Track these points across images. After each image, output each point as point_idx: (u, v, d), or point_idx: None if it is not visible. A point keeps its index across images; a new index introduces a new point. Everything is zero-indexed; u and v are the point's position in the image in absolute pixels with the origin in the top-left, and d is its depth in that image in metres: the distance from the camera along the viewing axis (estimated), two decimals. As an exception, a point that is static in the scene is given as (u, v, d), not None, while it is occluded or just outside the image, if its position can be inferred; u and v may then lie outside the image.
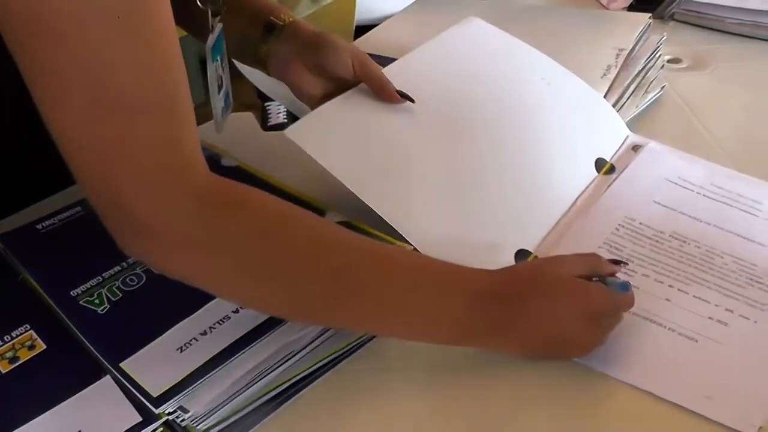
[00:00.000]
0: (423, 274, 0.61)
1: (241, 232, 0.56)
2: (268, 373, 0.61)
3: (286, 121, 2.11)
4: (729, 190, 0.83)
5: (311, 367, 0.63)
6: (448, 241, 0.71)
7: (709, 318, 0.68)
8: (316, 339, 0.63)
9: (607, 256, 0.69)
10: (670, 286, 0.71)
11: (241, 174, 0.81)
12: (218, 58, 0.77)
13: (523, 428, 0.60)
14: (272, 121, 2.29)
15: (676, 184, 0.85)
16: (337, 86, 0.80)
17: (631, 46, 0.99)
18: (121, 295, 0.67)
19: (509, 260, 0.73)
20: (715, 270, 0.73)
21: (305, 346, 0.63)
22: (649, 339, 0.66)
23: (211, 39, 0.75)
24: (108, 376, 0.61)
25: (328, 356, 0.64)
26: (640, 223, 0.79)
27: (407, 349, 0.65)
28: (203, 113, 1.05)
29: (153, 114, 0.52)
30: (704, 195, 0.83)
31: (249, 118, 0.96)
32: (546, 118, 0.87)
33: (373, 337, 0.66)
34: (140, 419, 0.57)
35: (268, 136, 0.93)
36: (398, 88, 0.79)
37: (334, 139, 0.74)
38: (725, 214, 0.80)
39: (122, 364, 0.60)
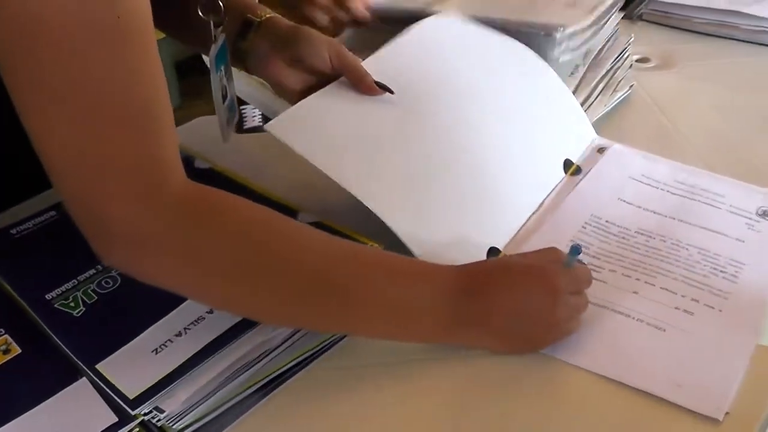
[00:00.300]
0: (393, 273, 0.62)
1: (216, 237, 0.57)
2: (243, 373, 0.62)
3: (261, 124, 2.11)
4: (692, 185, 0.85)
5: (285, 365, 0.64)
6: (425, 235, 0.72)
7: (676, 308, 0.69)
8: (290, 338, 0.64)
9: None
10: (637, 279, 0.73)
11: (214, 176, 0.82)
12: (221, 68, 0.78)
13: (494, 418, 0.61)
14: (248, 124, 2.30)
15: (640, 182, 0.87)
16: (316, 80, 0.80)
17: (599, 47, 1.01)
18: (96, 297, 0.67)
19: (481, 257, 0.74)
20: (680, 262, 0.75)
21: (279, 345, 0.64)
22: (618, 330, 0.67)
23: (214, 49, 0.76)
24: (84, 378, 0.61)
25: (301, 355, 0.65)
26: (607, 221, 0.81)
27: (378, 347, 0.66)
28: (178, 116, 1.05)
29: (132, 124, 0.53)
30: (668, 191, 0.85)
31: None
32: (519, 119, 0.88)
33: (345, 335, 0.67)
34: (116, 420, 0.58)
35: (241, 138, 0.94)
36: (376, 80, 0.80)
37: (316, 132, 0.75)
38: (689, 208, 0.82)
39: (98, 366, 0.61)
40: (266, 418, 0.61)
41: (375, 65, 0.81)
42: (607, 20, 1.00)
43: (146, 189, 0.55)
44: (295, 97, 0.79)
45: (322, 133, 0.75)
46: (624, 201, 0.84)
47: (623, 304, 0.70)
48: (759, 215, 0.81)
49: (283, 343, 0.64)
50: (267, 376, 0.63)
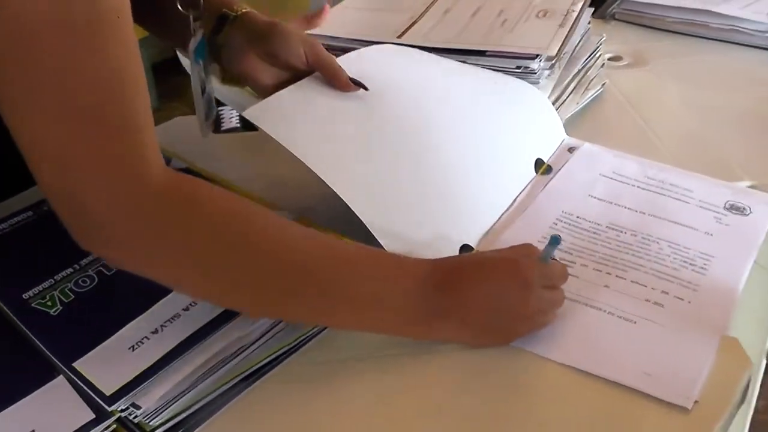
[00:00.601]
0: (370, 265, 0.63)
1: (193, 229, 0.58)
2: (220, 368, 0.62)
3: (239, 125, 2.11)
4: (662, 180, 0.87)
5: (262, 361, 0.64)
6: (397, 230, 0.72)
7: (646, 300, 0.71)
8: (266, 333, 0.65)
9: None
10: (608, 273, 0.74)
11: (190, 175, 0.82)
12: (200, 62, 0.78)
13: (468, 411, 0.62)
14: (225, 126, 2.30)
15: (611, 178, 0.88)
16: (291, 75, 0.81)
17: (572, 47, 1.02)
18: (73, 296, 0.68)
19: (454, 254, 0.75)
20: (651, 255, 0.76)
21: (255, 341, 0.64)
22: (589, 323, 0.69)
23: (194, 42, 0.77)
24: (61, 376, 0.61)
25: (278, 350, 0.65)
26: (578, 217, 0.82)
27: (354, 342, 0.66)
28: (156, 118, 1.05)
29: (112, 117, 0.54)
30: (638, 187, 0.86)
31: (194, 121, 0.97)
32: (490, 119, 0.89)
33: (323, 330, 0.67)
34: (93, 416, 0.58)
35: (218, 138, 0.94)
36: (351, 77, 0.81)
37: (292, 121, 0.76)
38: (659, 202, 0.84)
39: (75, 364, 0.61)
40: (244, 414, 0.62)
41: (348, 63, 0.82)
42: (579, 21, 1.01)
43: (126, 181, 0.55)
44: (269, 92, 0.80)
45: (298, 122, 0.76)
46: (595, 197, 0.85)
47: (595, 297, 0.71)
48: (726, 209, 0.83)
49: (260, 338, 0.64)
50: (244, 372, 0.63)
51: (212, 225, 0.59)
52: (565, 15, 1.00)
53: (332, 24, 1.02)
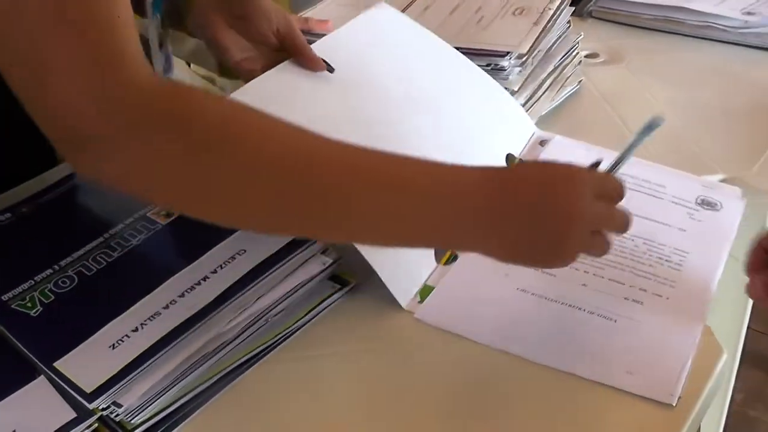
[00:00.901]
0: (402, 177, 0.56)
1: (188, 139, 0.52)
2: (200, 365, 0.63)
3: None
4: (634, 176, 0.87)
5: (242, 357, 0.65)
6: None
7: (625, 298, 0.71)
8: (246, 330, 0.65)
9: None
10: (585, 272, 0.74)
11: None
12: (157, 16, 0.76)
13: (447, 407, 0.63)
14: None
15: None
16: (259, 51, 0.80)
17: (548, 45, 1.03)
18: (53, 297, 0.68)
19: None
20: (626, 253, 0.76)
21: (236, 337, 0.65)
22: (570, 323, 0.69)
23: None
24: (42, 376, 0.62)
25: (258, 346, 0.66)
26: None
27: (334, 337, 0.67)
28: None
29: (93, 28, 0.50)
30: None
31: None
32: (457, 117, 0.89)
33: (303, 326, 0.68)
34: (75, 416, 0.58)
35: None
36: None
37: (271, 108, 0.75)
38: (632, 198, 0.83)
39: (56, 364, 0.61)
40: (225, 411, 0.62)
41: (323, 47, 0.82)
42: (556, 19, 1.02)
43: (106, 84, 0.50)
44: (237, 68, 0.78)
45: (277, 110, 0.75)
46: None
47: (574, 297, 0.71)
48: (698, 204, 0.84)
49: (240, 334, 0.65)
50: (225, 368, 0.64)
51: (211, 134, 0.53)
52: (541, 13, 1.01)
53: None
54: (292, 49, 0.79)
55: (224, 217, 0.57)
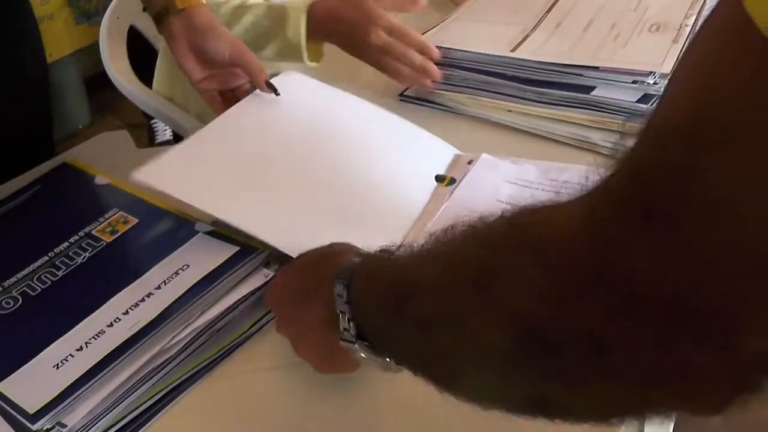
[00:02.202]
0: None
1: None
2: (145, 382, 0.63)
3: (171, 138, 2.12)
4: (564, 180, 0.84)
5: (187, 372, 0.65)
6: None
7: None
8: (190, 345, 0.66)
9: None
10: None
11: (113, 191, 0.83)
12: None
13: (395, 415, 0.63)
14: (159, 138, 2.30)
15: (515, 183, 0.86)
16: (215, 69, 0.90)
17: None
18: (-4, 319, 0.68)
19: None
20: None
21: (180, 353, 0.65)
22: None
23: None
24: (-15, 400, 0.62)
25: (203, 361, 0.66)
26: None
27: (277, 349, 0.67)
28: (89, 134, 1.06)
29: None
30: (542, 189, 0.85)
31: (122, 136, 0.97)
32: (385, 152, 0.90)
33: (246, 339, 0.69)
34: (18, 438, 0.59)
35: (141, 153, 0.95)
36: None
37: (190, 173, 0.77)
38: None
39: (-1, 387, 0.61)
40: (171, 427, 0.63)
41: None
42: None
43: None
44: (199, 88, 0.89)
45: (196, 172, 0.78)
46: (502, 202, 0.83)
47: None
48: None
49: (184, 350, 0.65)
50: (169, 384, 0.64)
51: None
52: (678, 30, 0.99)
53: (447, 36, 1.04)
54: (244, 72, 0.90)
55: None
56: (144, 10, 0.92)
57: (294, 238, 0.72)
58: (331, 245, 0.61)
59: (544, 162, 0.90)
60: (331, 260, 0.56)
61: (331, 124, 0.91)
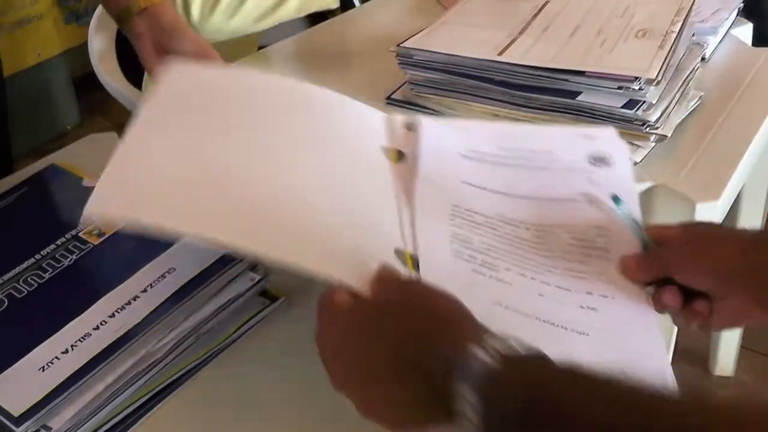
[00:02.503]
0: None
1: None
2: (131, 385, 0.63)
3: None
4: (518, 149, 0.77)
5: (173, 375, 0.66)
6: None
7: (581, 307, 0.64)
8: (176, 348, 0.66)
9: (464, 254, 0.66)
10: (533, 278, 0.65)
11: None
12: None
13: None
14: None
15: (471, 158, 0.76)
16: None
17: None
18: (-20, 323, 0.68)
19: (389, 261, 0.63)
20: (554, 252, 0.67)
21: (166, 356, 0.65)
22: (551, 341, 0.60)
23: None
24: (-31, 404, 0.62)
25: (188, 364, 0.67)
26: (467, 209, 0.70)
27: (261, 352, 0.68)
28: (78, 134, 1.06)
29: None
30: (501, 164, 0.75)
31: (110, 138, 0.97)
32: (315, 130, 0.74)
33: (232, 343, 0.69)
34: (3, 442, 0.59)
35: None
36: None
37: (140, 190, 0.64)
38: (527, 180, 0.74)
39: (-17, 390, 0.61)
40: (156, 429, 0.63)
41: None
42: (680, 40, 1.00)
43: None
44: None
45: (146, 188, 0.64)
46: (468, 183, 0.73)
47: (539, 308, 0.63)
48: (591, 164, 0.74)
49: (170, 353, 0.66)
50: (155, 387, 0.65)
51: None
52: (665, 36, 0.99)
53: (434, 40, 1.04)
54: None
55: None
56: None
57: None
58: (442, 299, 0.54)
59: (485, 124, 0.88)
60: (448, 336, 0.51)
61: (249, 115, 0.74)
